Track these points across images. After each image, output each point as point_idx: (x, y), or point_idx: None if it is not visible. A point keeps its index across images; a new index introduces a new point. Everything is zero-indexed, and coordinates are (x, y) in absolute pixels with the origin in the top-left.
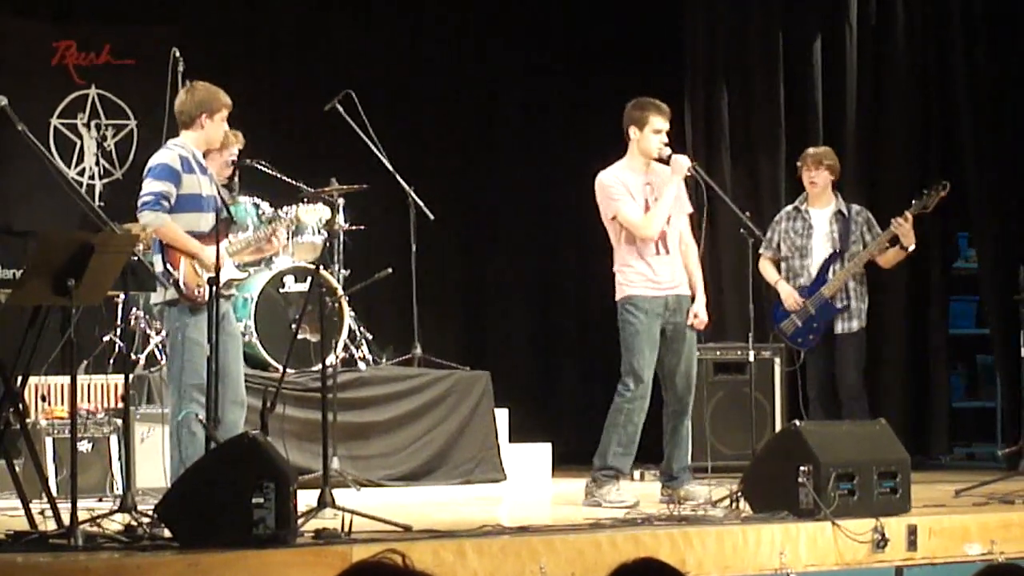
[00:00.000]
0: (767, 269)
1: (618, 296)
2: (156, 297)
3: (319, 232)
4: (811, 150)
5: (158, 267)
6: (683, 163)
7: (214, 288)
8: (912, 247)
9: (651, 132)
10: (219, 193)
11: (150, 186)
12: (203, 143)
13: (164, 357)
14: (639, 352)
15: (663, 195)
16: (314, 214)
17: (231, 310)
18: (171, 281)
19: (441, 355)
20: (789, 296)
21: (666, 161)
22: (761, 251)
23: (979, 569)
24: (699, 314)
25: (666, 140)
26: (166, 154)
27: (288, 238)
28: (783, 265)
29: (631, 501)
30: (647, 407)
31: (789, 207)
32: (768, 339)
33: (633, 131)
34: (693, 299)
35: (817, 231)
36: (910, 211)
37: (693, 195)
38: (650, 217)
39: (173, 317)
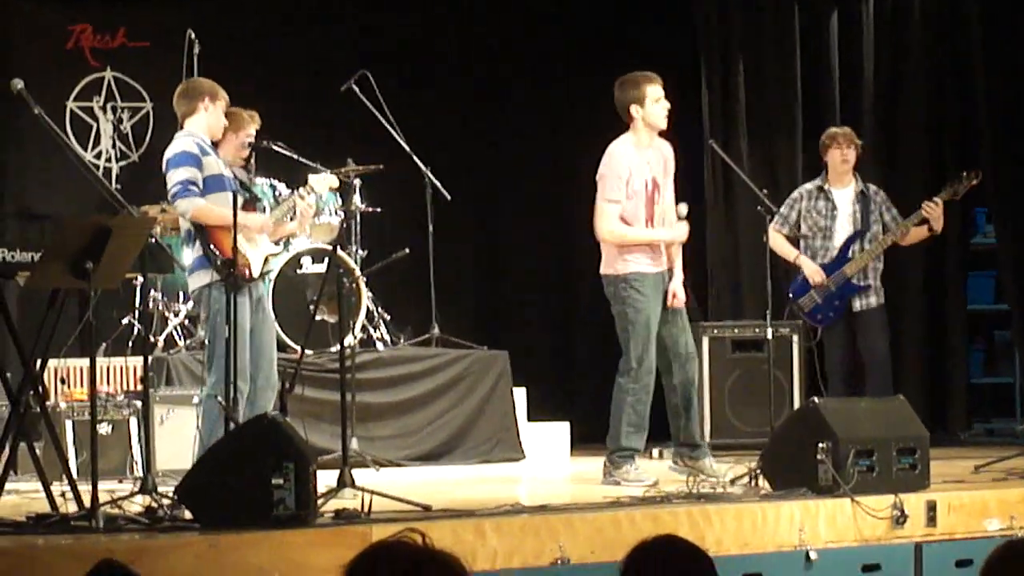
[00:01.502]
0: (782, 244)
1: (612, 271)
2: (195, 282)
3: (336, 213)
4: (839, 129)
5: (197, 251)
6: (683, 232)
7: (232, 268)
8: (940, 230)
9: (652, 103)
10: (235, 174)
11: (175, 175)
12: (208, 130)
13: (183, 339)
14: (642, 328)
15: (653, 235)
16: (323, 182)
17: (266, 294)
18: (216, 262)
19: (459, 335)
20: (816, 273)
21: (665, 135)
22: (775, 226)
23: (998, 544)
24: (676, 292)
25: (666, 106)
26: (181, 142)
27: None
28: (802, 244)
29: (650, 480)
30: (653, 384)
31: (810, 185)
32: (785, 316)
33: (635, 109)
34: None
35: (841, 212)
36: (941, 196)
37: (712, 173)
38: (622, 236)
39: (214, 299)
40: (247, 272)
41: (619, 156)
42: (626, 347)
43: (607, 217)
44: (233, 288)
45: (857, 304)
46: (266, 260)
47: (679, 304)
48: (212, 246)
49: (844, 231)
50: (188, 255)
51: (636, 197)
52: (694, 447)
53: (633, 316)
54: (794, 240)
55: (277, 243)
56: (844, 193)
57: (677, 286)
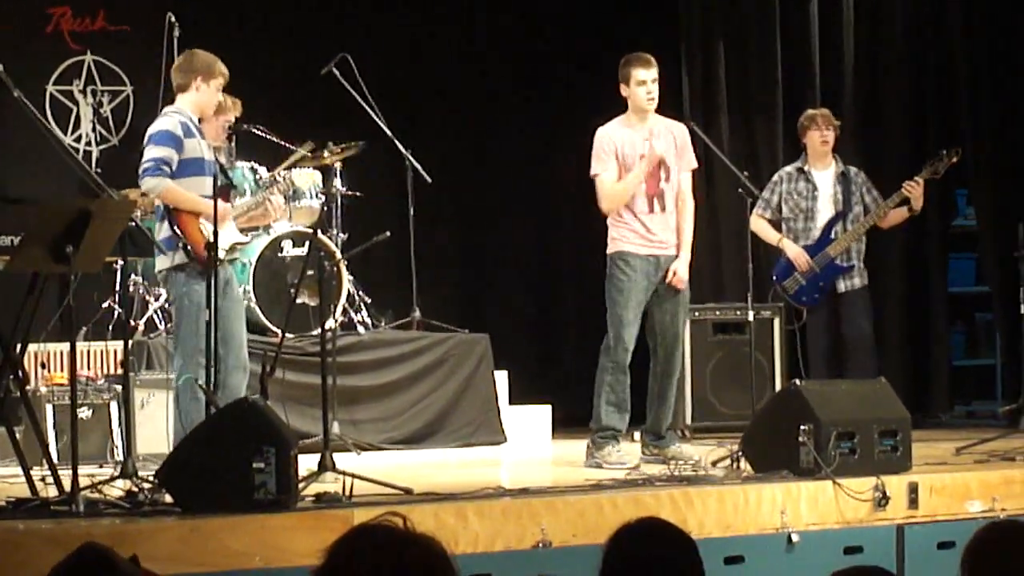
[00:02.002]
0: (765, 228)
1: (609, 249)
2: (161, 263)
3: (316, 196)
4: (817, 111)
5: (165, 232)
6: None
7: (213, 252)
8: (919, 209)
9: (635, 85)
10: (217, 159)
11: (151, 152)
12: (197, 108)
13: (163, 323)
14: (621, 308)
15: (630, 174)
16: (308, 178)
17: (234, 275)
18: (180, 244)
19: (440, 318)
20: (799, 255)
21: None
22: (757, 211)
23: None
24: (678, 271)
25: (651, 91)
26: (166, 121)
27: (286, 202)
28: (784, 226)
29: (632, 462)
30: (628, 362)
31: (790, 168)
32: (767, 299)
33: (623, 88)
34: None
35: (822, 193)
36: (921, 175)
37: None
38: (613, 194)
39: (179, 282)
40: (208, 256)
41: (601, 134)
42: (608, 324)
43: (598, 191)
44: (206, 273)
45: (841, 285)
46: (232, 248)
47: (677, 283)
48: (178, 228)
49: (826, 212)
50: (162, 230)
51: (627, 171)
52: (658, 436)
53: (615, 295)
54: (777, 224)
55: (245, 232)
56: (825, 174)
57: (679, 265)
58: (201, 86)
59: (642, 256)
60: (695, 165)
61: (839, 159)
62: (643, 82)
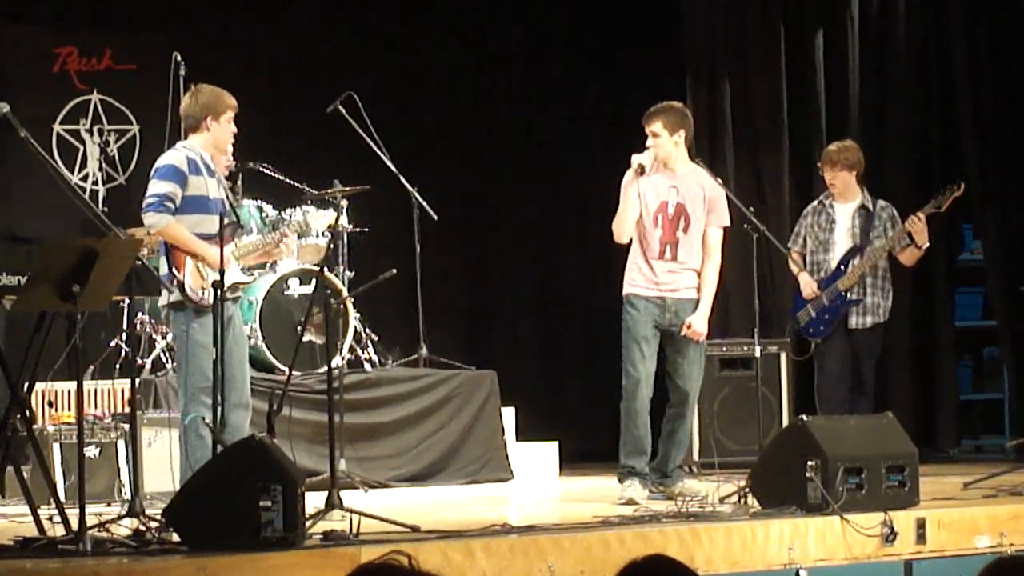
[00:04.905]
0: (793, 261)
1: (623, 291)
2: (162, 300)
3: (323, 234)
4: (829, 147)
5: (163, 270)
6: (645, 157)
7: (218, 291)
8: (926, 245)
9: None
10: (227, 197)
11: (155, 187)
12: (210, 146)
13: (170, 361)
14: (628, 347)
15: (623, 199)
16: (323, 220)
17: (237, 313)
18: (175, 283)
19: (447, 355)
20: (807, 285)
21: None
22: (790, 246)
23: (989, 562)
24: (692, 324)
25: (650, 144)
26: (173, 155)
27: (296, 242)
28: (808, 259)
29: (625, 498)
30: (647, 402)
31: (815, 202)
32: (773, 333)
33: None
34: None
35: (839, 225)
36: (924, 210)
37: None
38: (615, 220)
39: (179, 320)
40: (203, 296)
41: (628, 172)
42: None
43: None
44: (206, 311)
45: (852, 321)
46: (233, 287)
47: (691, 335)
48: (174, 267)
49: (843, 245)
50: (161, 267)
51: (646, 214)
52: (664, 475)
53: (623, 335)
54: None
55: (251, 270)
56: (846, 208)
57: (695, 318)
58: (211, 125)
59: (645, 297)
60: (727, 223)
61: (865, 192)
62: (647, 136)
